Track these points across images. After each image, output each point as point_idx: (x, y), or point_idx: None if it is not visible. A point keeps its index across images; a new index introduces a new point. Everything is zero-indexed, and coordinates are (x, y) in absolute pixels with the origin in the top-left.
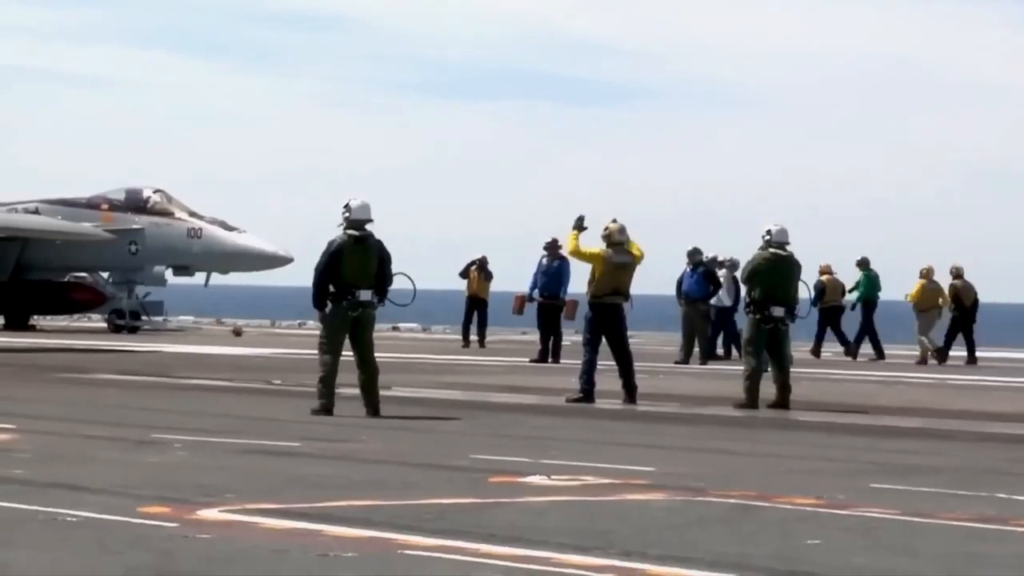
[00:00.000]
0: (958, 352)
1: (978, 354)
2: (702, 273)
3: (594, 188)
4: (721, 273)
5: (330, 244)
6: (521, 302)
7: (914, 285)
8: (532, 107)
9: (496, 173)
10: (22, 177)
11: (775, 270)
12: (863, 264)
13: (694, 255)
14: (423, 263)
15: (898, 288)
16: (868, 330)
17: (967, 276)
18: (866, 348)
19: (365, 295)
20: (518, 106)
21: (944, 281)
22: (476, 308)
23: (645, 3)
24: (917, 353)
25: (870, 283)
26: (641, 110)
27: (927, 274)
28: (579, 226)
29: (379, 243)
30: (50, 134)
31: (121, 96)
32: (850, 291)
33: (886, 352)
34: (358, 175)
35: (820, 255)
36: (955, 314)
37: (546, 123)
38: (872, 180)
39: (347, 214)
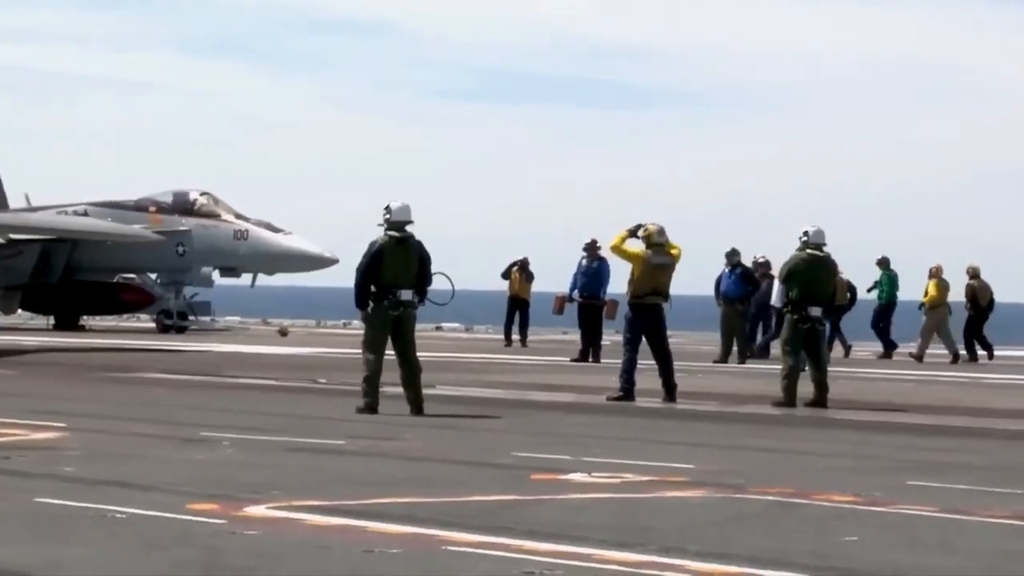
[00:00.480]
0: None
1: (998, 353)
2: (740, 274)
3: (633, 189)
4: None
5: (371, 245)
6: (561, 302)
7: (928, 286)
8: (572, 110)
9: (536, 175)
10: (71, 179)
11: (812, 270)
12: (883, 263)
13: (732, 256)
14: (466, 264)
15: (912, 288)
16: (875, 326)
17: (983, 276)
18: (870, 345)
19: (406, 295)
20: (558, 109)
21: (959, 280)
22: (518, 308)
23: (680, 9)
24: (947, 352)
25: (891, 283)
26: (679, 112)
27: (936, 272)
28: (633, 232)
29: (419, 244)
30: (98, 138)
31: (167, 100)
32: (869, 290)
33: (898, 351)
34: (399, 178)
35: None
36: (971, 313)
37: (586, 126)
38: (886, 180)
39: (388, 216)
